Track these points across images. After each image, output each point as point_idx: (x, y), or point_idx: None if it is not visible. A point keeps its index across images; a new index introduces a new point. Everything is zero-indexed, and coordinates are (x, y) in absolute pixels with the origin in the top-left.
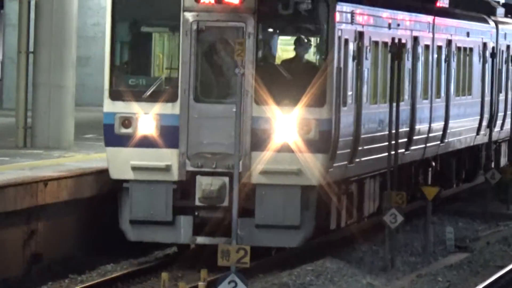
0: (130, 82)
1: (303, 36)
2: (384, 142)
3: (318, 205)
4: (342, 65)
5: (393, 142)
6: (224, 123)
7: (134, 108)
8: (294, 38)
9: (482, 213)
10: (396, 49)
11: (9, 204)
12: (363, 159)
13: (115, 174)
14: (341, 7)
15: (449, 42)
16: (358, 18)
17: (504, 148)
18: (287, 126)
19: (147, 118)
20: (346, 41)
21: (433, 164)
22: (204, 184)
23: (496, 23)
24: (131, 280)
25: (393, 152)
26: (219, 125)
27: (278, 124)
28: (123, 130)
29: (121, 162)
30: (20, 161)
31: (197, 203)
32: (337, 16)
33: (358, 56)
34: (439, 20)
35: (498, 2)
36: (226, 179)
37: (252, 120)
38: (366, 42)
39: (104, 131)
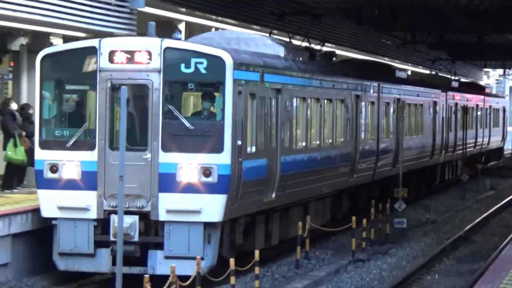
0: (56, 133)
1: (207, 91)
2: (310, 177)
3: (224, 237)
4: (243, 117)
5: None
6: (135, 168)
7: (60, 156)
8: (201, 93)
9: (502, 175)
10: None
11: None
12: (286, 191)
13: (45, 213)
14: (241, 66)
15: (398, 100)
16: (273, 78)
17: (460, 163)
18: (190, 170)
19: (70, 165)
20: (253, 95)
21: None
22: (117, 222)
23: (446, 90)
24: None
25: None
26: (130, 170)
27: (182, 169)
28: (51, 175)
29: (50, 203)
30: None
31: (112, 238)
32: (234, 74)
33: (276, 110)
34: (383, 85)
35: (456, 80)
36: (136, 217)
37: (159, 165)
38: (285, 97)
39: (36, 176)
